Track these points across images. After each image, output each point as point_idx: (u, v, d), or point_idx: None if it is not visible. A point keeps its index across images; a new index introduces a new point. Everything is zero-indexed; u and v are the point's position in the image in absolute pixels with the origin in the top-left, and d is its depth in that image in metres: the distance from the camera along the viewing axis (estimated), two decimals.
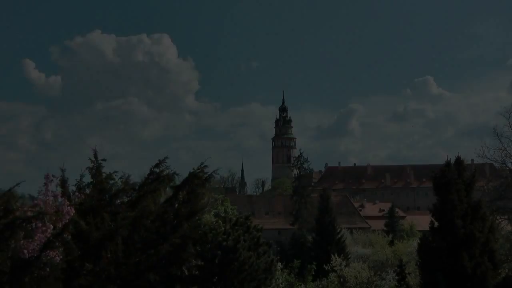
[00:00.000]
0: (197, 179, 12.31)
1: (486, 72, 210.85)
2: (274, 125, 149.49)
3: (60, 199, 10.38)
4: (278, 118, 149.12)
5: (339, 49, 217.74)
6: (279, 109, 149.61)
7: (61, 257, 9.89)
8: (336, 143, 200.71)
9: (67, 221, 10.03)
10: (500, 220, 27.37)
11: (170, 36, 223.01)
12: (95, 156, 12.08)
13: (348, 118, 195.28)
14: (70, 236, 10.25)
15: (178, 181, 13.20)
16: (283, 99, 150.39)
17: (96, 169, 11.98)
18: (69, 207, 10.18)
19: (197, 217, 12.23)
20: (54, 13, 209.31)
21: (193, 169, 12.40)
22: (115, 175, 12.16)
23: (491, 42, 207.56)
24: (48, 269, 9.71)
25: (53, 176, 10.37)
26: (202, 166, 12.37)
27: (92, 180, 12.06)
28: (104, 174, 11.94)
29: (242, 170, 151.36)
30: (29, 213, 10.03)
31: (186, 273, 12.36)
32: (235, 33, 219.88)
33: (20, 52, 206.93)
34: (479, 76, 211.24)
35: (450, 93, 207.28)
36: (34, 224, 9.71)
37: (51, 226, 9.78)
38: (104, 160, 12.11)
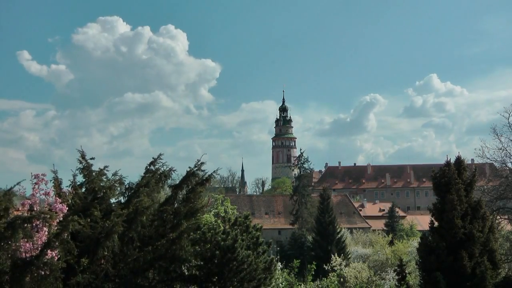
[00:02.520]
0: (195, 177, 12.28)
1: (495, 69, 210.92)
2: (274, 125, 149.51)
3: (51, 198, 10.39)
4: (278, 118, 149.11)
5: (345, 47, 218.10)
6: (279, 109, 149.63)
7: (60, 256, 9.92)
8: (339, 141, 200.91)
9: (61, 218, 10.05)
10: (500, 220, 27.38)
11: (186, 33, 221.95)
12: (83, 156, 12.04)
13: (356, 116, 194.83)
14: (69, 236, 10.28)
15: (177, 177, 13.17)
16: (283, 99, 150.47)
17: (85, 169, 11.95)
18: (61, 205, 10.19)
19: (197, 217, 12.22)
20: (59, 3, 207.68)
21: (189, 168, 12.37)
22: (106, 171, 12.13)
23: (499, 38, 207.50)
24: (48, 269, 9.74)
25: (42, 175, 10.38)
26: (199, 163, 12.35)
27: (84, 179, 12.03)
28: (94, 173, 11.91)
29: (242, 170, 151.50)
30: (25, 214, 10.05)
31: (186, 272, 12.38)
32: (250, 30, 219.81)
33: (19, 45, 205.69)
34: (488, 73, 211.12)
35: (460, 90, 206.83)
36: (34, 224, 9.73)
37: (46, 224, 9.80)
38: (92, 158, 12.08)
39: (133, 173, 13.36)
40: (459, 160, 22.32)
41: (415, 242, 39.87)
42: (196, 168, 12.33)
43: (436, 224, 21.73)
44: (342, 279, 33.07)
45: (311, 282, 31.86)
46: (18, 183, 10.27)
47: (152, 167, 12.44)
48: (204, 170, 12.38)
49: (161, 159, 12.47)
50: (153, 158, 12.47)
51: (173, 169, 12.48)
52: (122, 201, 12.11)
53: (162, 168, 12.45)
